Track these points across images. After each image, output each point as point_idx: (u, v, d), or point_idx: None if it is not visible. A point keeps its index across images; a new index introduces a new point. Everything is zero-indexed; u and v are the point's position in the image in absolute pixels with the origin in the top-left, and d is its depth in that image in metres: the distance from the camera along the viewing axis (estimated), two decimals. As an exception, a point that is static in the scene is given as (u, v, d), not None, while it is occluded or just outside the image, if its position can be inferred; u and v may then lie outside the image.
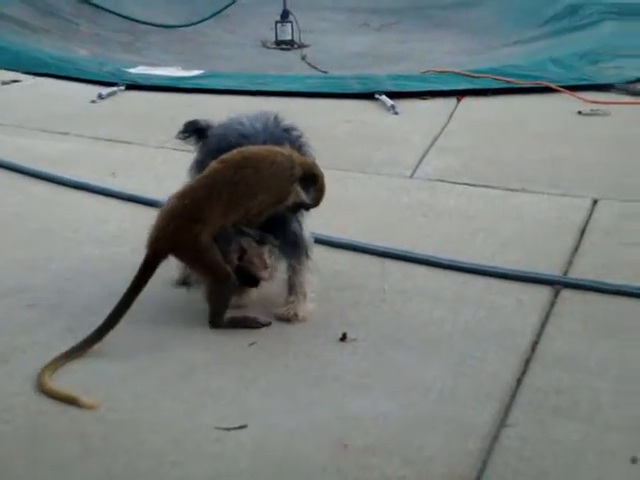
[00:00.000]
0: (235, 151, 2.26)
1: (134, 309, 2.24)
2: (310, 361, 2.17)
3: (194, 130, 2.52)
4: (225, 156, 2.26)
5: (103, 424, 1.92)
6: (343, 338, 2.26)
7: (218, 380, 2.09)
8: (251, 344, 2.24)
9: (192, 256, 2.26)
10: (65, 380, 2.07)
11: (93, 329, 2.20)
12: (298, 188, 2.26)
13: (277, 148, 2.27)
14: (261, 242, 2.29)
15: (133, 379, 2.09)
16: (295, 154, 2.28)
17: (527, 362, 2.16)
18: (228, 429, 1.90)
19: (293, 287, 2.38)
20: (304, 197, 2.28)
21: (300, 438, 1.89)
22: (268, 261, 2.30)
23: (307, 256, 2.37)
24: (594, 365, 2.15)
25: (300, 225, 2.36)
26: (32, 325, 2.33)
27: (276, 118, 2.42)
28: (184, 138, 2.54)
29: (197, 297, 2.45)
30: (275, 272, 2.40)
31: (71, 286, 2.54)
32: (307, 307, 2.38)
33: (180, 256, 2.29)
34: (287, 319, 2.35)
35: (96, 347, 2.20)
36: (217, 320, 2.30)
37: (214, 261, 2.22)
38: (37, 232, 2.90)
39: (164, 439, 1.88)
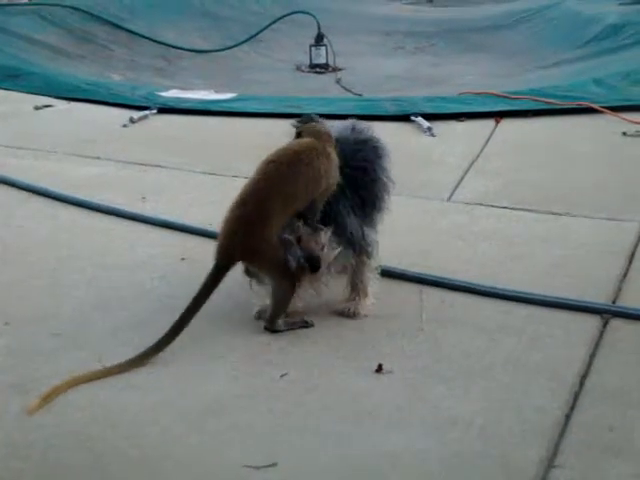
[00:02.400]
0: (280, 150, 2.35)
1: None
2: (344, 394, 2.06)
3: (306, 123, 2.60)
4: (272, 156, 2.33)
5: (126, 461, 1.82)
6: (378, 369, 2.14)
7: (247, 414, 1.99)
8: (282, 375, 2.13)
9: (263, 258, 2.28)
10: (88, 412, 1.99)
11: (123, 359, 2.14)
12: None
13: (310, 139, 2.36)
14: (313, 229, 2.32)
15: (158, 412, 1.99)
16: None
17: (576, 396, 2.03)
18: (257, 467, 1.79)
19: (355, 286, 2.43)
20: None
21: (333, 477, 1.77)
22: (323, 239, 2.31)
23: (368, 255, 2.40)
24: (648, 400, 2.01)
25: (359, 224, 2.38)
26: (56, 354, 2.25)
27: (354, 129, 2.49)
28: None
29: (226, 328, 2.37)
30: (332, 251, 2.36)
31: (97, 314, 2.46)
32: (368, 305, 2.42)
33: (251, 260, 2.30)
34: (347, 315, 2.41)
35: (120, 377, 2.11)
36: (274, 323, 2.33)
37: (281, 259, 2.26)
38: (64, 258, 2.83)
39: (189, 477, 1.77)
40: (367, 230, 2.41)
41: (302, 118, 2.61)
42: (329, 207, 2.35)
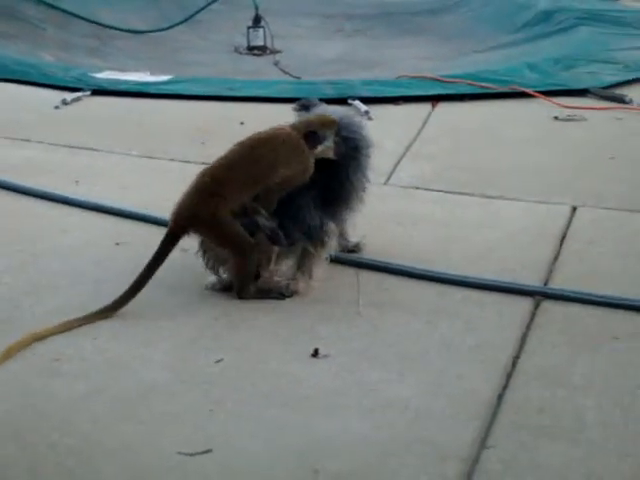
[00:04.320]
0: (252, 135, 2.45)
1: (87, 330, 2.19)
2: (279, 379, 2.05)
3: (304, 106, 2.67)
4: (242, 139, 2.45)
5: (55, 451, 1.78)
6: (315, 354, 2.14)
7: (181, 401, 1.97)
8: (217, 361, 2.12)
9: (212, 230, 2.37)
10: (17, 402, 1.94)
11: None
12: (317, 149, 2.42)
13: (286, 127, 2.46)
14: (272, 239, 2.36)
15: (89, 400, 1.96)
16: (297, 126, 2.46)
17: (508, 378, 2.06)
18: (191, 454, 1.77)
19: (300, 267, 2.45)
20: (329, 153, 2.45)
21: (268, 463, 1.77)
22: (272, 265, 2.40)
23: (322, 244, 2.44)
24: (577, 380, 2.05)
25: (319, 217, 2.42)
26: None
27: (345, 127, 2.52)
28: (297, 111, 2.67)
29: (161, 312, 2.34)
30: (275, 276, 2.45)
31: (29, 301, 2.41)
32: (311, 285, 2.44)
33: (201, 230, 2.38)
34: (284, 293, 2.42)
35: (49, 366, 2.07)
36: (244, 291, 2.40)
37: (235, 234, 2.34)
38: (-7, 243, 2.76)
39: (121, 466, 1.75)
40: (326, 221, 2.45)
41: (302, 102, 2.66)
42: (292, 201, 2.40)
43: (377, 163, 3.51)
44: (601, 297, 2.40)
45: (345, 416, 1.92)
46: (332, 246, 2.51)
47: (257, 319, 2.33)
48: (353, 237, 2.71)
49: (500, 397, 1.98)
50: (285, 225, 2.38)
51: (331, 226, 2.48)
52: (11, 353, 2.09)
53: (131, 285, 2.31)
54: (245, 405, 1.96)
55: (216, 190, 2.34)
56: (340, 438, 1.84)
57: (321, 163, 2.44)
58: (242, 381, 2.05)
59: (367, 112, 4.16)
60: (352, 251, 2.70)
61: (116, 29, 6.91)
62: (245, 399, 1.98)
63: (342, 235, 2.68)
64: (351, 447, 1.82)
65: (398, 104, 4.37)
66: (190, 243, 2.71)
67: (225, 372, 2.08)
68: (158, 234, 2.80)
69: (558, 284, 2.51)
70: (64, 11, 6.93)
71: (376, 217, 3.00)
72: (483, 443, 1.82)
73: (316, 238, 2.43)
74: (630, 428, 1.87)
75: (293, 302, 2.42)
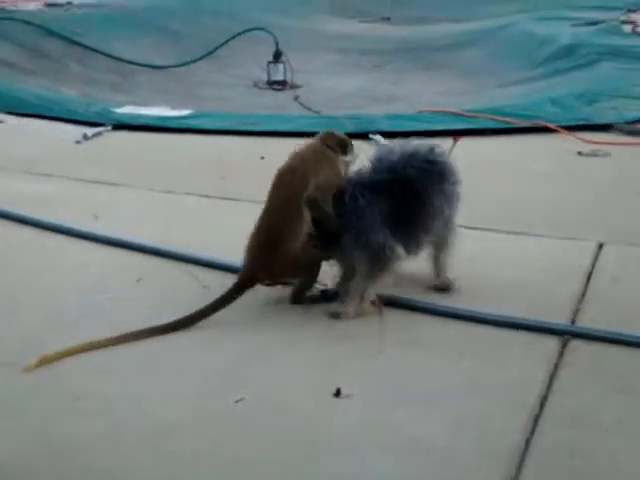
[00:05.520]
0: (278, 170, 2.50)
1: (114, 361, 2.17)
2: (300, 420, 2.00)
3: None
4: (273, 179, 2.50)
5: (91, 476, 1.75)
6: (337, 394, 2.09)
7: (198, 442, 1.92)
8: (237, 400, 2.07)
9: (287, 271, 2.46)
10: (35, 443, 1.91)
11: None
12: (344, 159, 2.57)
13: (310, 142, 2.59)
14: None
15: (111, 438, 1.92)
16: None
17: (536, 419, 2.00)
18: (211, 497, 1.73)
19: (352, 289, 2.45)
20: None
21: (290, 507, 1.72)
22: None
23: (370, 274, 2.44)
24: (608, 422, 1.99)
25: (383, 234, 2.41)
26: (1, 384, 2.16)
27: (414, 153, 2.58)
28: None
29: (187, 344, 2.31)
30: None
31: (50, 334, 2.38)
32: (362, 307, 2.45)
33: (277, 277, 2.48)
34: (333, 316, 2.45)
35: (71, 403, 2.04)
36: (300, 297, 2.52)
37: (306, 261, 2.45)
38: (13, 279, 2.75)
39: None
40: (393, 242, 2.43)
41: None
42: (362, 217, 2.41)
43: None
44: (630, 336, 2.34)
45: (368, 457, 1.87)
46: (393, 270, 2.47)
47: (279, 356, 2.29)
48: (443, 274, 2.67)
49: (528, 440, 1.92)
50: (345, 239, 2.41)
51: (397, 248, 2.44)
52: (49, 360, 2.19)
53: (179, 320, 2.35)
54: (265, 446, 1.90)
55: (278, 236, 2.40)
56: (363, 479, 1.79)
57: (402, 186, 2.47)
58: (261, 421, 2.00)
59: (388, 147, 4.14)
60: (442, 290, 2.64)
61: (136, 64, 6.98)
62: (265, 440, 1.93)
63: (436, 272, 2.66)
64: (375, 490, 1.76)
65: (419, 139, 4.34)
66: (142, 273, 2.73)
67: (245, 411, 2.04)
68: (178, 270, 2.79)
69: (586, 322, 2.45)
70: (85, 47, 7.02)
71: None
72: (512, 487, 1.76)
73: (363, 270, 2.43)
74: (665, 472, 1.81)
75: (315, 339, 2.37)
